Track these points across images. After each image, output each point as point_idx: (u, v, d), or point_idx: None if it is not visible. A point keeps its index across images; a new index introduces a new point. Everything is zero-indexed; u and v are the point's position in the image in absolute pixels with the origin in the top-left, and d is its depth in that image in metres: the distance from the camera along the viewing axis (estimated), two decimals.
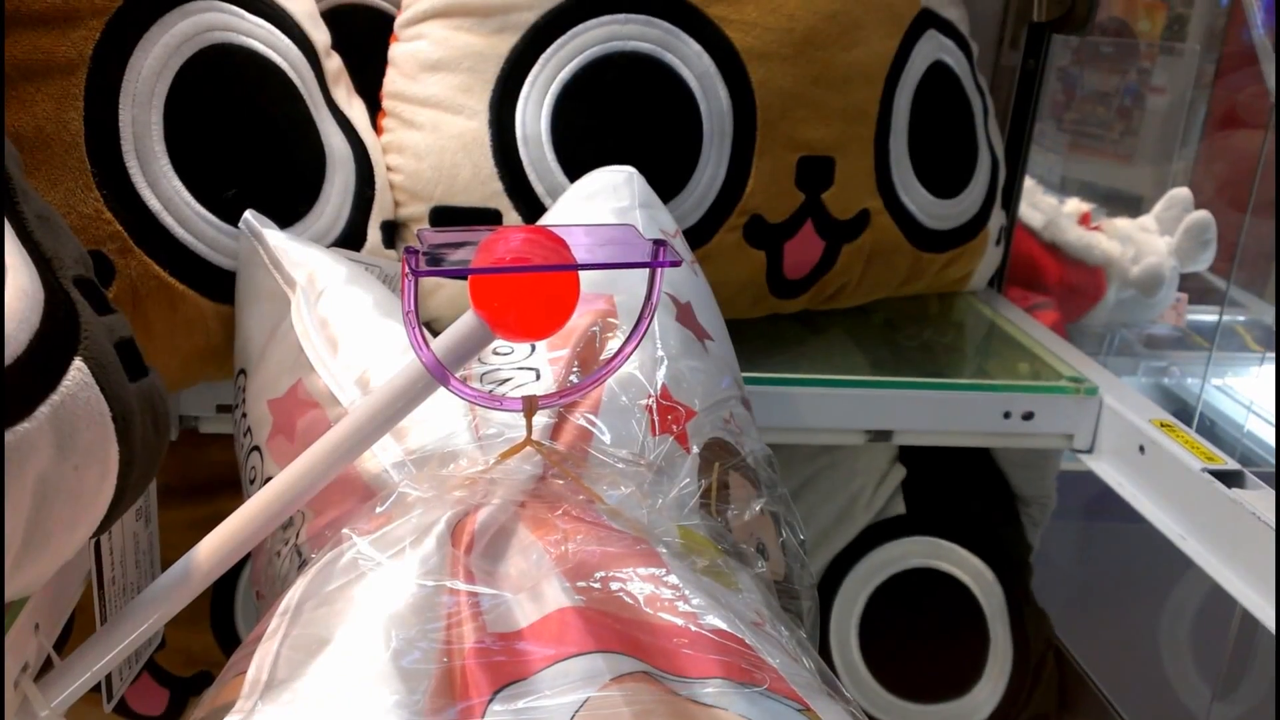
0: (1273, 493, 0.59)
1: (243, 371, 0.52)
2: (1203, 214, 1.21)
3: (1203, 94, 1.36)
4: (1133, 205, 1.35)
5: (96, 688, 0.40)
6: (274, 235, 0.53)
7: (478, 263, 0.36)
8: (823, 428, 0.70)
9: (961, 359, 0.79)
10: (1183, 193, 1.25)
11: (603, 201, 0.56)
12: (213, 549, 0.39)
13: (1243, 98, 1.31)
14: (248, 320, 0.53)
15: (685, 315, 0.51)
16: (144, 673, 0.76)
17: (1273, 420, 1.15)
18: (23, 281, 0.32)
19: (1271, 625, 0.55)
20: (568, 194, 0.58)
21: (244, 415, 0.51)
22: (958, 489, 0.83)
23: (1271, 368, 1.24)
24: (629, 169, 0.58)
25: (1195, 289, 1.28)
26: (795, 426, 0.69)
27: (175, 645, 0.76)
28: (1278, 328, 1.23)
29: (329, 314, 0.49)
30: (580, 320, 0.47)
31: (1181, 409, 1.26)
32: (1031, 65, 0.93)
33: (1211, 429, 1.20)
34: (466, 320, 0.37)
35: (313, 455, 0.39)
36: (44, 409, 0.31)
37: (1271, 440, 1.14)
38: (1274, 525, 0.55)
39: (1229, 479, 0.61)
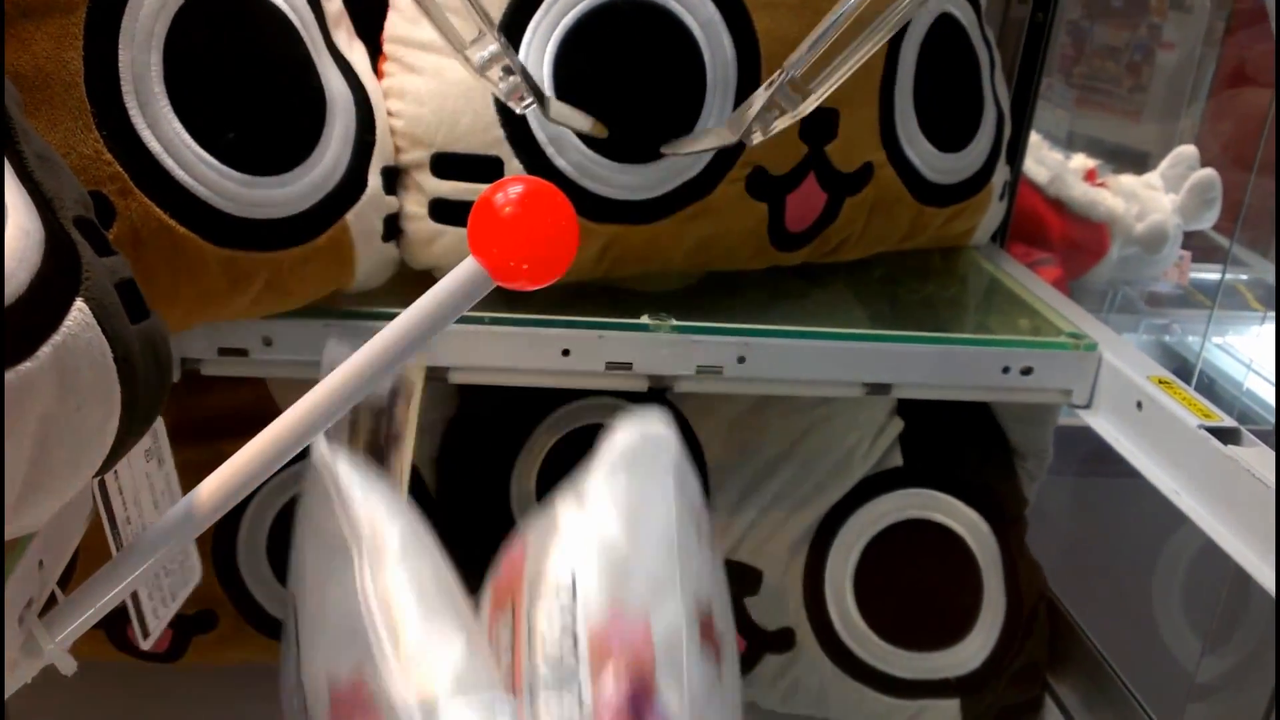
0: (1267, 450, 0.60)
1: (295, 596, 0.52)
2: (1208, 172, 1.21)
3: (1212, 51, 1.34)
4: (1139, 162, 1.35)
5: (99, 624, 0.41)
6: (344, 471, 0.52)
7: (477, 211, 0.36)
8: (821, 380, 0.70)
9: (962, 313, 0.80)
10: (1189, 150, 1.24)
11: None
12: (216, 488, 0.39)
13: (1251, 55, 1.30)
14: (306, 546, 0.53)
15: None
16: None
17: (1272, 379, 1.15)
18: (23, 221, 0.32)
19: (1263, 580, 0.56)
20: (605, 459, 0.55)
21: (300, 678, 0.51)
22: (955, 443, 0.84)
23: (1273, 327, 1.25)
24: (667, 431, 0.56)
25: (1199, 247, 1.28)
26: (794, 378, 0.69)
27: None
28: (1278, 288, 1.23)
29: (393, 591, 0.48)
30: None
31: (1182, 367, 1.26)
32: (1040, 19, 0.92)
33: (1211, 387, 1.20)
34: (466, 266, 0.37)
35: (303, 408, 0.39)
36: (46, 349, 0.31)
37: (1269, 398, 1.14)
38: (1273, 485, 0.56)
39: (1225, 436, 0.61)
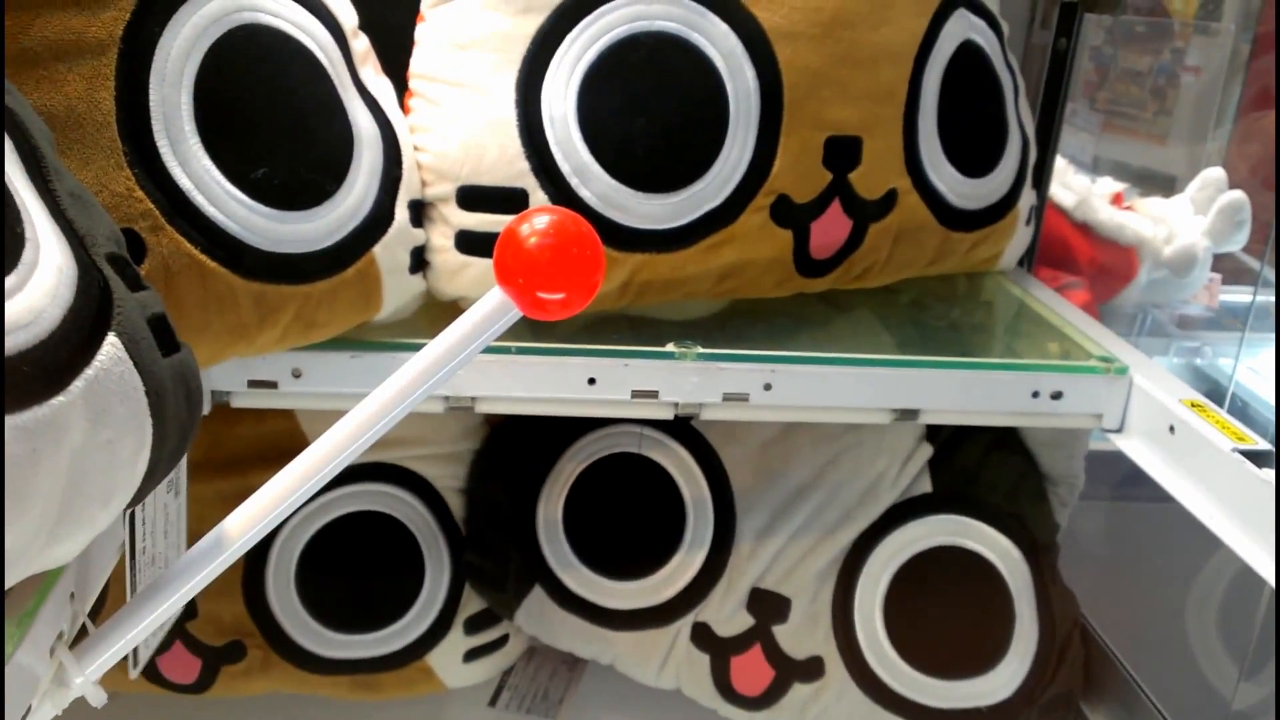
0: None
1: None
2: (1237, 194, 1.20)
3: (1237, 73, 1.34)
4: (1166, 185, 1.34)
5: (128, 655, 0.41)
6: None
7: (503, 241, 0.36)
8: (849, 406, 0.69)
9: (990, 338, 0.79)
10: (1217, 173, 1.23)
11: None
12: (245, 519, 0.39)
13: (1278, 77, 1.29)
14: None
15: None
16: (176, 642, 0.77)
17: None
18: (57, 258, 0.32)
19: None
20: None
21: None
22: (985, 468, 0.83)
23: None
24: None
25: (1229, 269, 1.27)
26: (821, 405, 0.69)
27: (207, 614, 0.77)
28: (1278, 302, 1.22)
29: None
30: None
31: (1214, 389, 1.25)
32: (1063, 45, 0.92)
33: (1244, 410, 1.19)
34: (492, 297, 0.37)
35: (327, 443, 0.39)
36: (78, 383, 0.32)
37: None
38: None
39: (1259, 459, 0.60)
